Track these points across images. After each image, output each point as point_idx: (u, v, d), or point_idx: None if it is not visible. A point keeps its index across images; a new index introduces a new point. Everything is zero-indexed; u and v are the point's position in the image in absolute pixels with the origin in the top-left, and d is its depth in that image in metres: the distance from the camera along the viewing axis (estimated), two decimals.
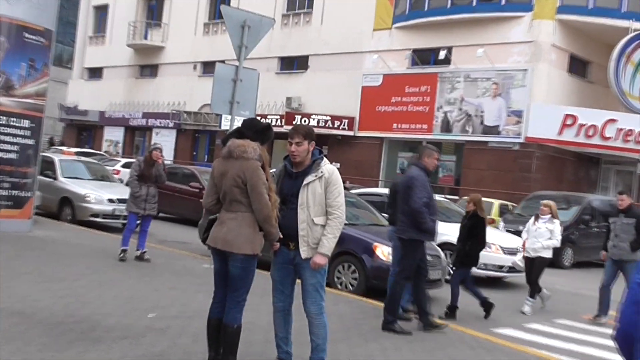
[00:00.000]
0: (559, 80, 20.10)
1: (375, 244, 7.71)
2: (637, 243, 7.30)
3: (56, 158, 13.19)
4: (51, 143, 30.89)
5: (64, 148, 24.52)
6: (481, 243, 7.17)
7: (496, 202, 16.03)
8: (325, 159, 4.21)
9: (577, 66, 21.07)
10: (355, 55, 23.39)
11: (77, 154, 20.08)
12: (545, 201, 8.25)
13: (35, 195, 10.04)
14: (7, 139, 9.36)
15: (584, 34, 20.34)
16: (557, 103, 19.67)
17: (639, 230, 7.32)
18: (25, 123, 9.53)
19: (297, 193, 4.10)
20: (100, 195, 11.84)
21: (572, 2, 19.79)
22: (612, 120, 18.53)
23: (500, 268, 9.57)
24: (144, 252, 8.45)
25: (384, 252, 7.59)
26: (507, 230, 12.60)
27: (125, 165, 19.07)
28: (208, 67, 27.31)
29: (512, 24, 19.95)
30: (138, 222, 8.56)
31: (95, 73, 34.99)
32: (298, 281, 4.25)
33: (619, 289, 7.44)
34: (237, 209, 3.97)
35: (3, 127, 9.29)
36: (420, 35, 21.80)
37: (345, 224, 4.20)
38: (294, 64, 25.95)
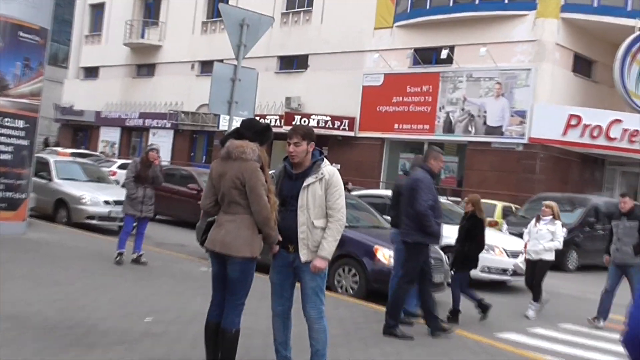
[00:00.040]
0: (563, 80, 20.10)
1: (376, 246, 7.70)
2: None
3: (51, 159, 13.18)
4: (46, 144, 30.90)
5: (59, 149, 24.52)
6: (480, 245, 7.15)
7: (499, 204, 16.02)
8: (325, 160, 4.20)
9: (582, 65, 21.07)
10: (355, 54, 23.40)
11: (73, 154, 20.08)
12: (546, 202, 8.24)
13: (29, 197, 10.03)
14: (1, 139, 9.35)
15: (589, 33, 20.35)
16: (561, 103, 19.67)
17: None
18: (20, 123, 9.52)
19: (296, 195, 4.09)
20: (96, 197, 11.83)
21: (577, 0, 19.79)
22: (618, 121, 18.52)
23: (504, 271, 9.55)
24: (141, 254, 8.44)
25: (385, 255, 7.58)
26: (511, 233, 12.58)
27: (121, 167, 19.06)
28: (206, 67, 27.31)
29: (515, 22, 19.95)
30: (135, 224, 8.55)
31: (91, 72, 34.99)
32: (297, 285, 4.23)
33: (623, 293, 7.45)
34: (235, 211, 3.97)
35: None
36: (422, 34, 21.80)
37: (346, 227, 4.19)
38: (293, 63, 25.95)
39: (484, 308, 7.13)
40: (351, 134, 22.93)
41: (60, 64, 40.61)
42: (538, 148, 19.22)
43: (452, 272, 7.34)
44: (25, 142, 9.63)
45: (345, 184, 17.16)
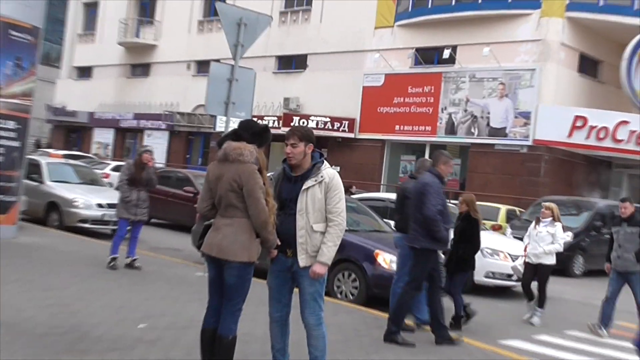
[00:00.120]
0: (568, 80, 20.13)
1: (377, 251, 7.70)
2: None
3: (43, 161, 13.17)
4: (38, 145, 30.88)
5: (51, 150, 24.50)
6: (475, 246, 7.12)
7: (503, 208, 16.02)
8: (325, 162, 4.20)
9: (588, 66, 21.11)
10: (355, 54, 23.43)
11: (65, 156, 20.06)
12: (546, 203, 8.23)
13: (20, 200, 10.02)
14: None
15: (595, 32, 20.39)
16: (566, 104, 19.70)
17: None
18: (11, 124, 9.52)
19: (295, 198, 4.09)
20: (89, 200, 11.82)
21: None
22: (624, 122, 18.54)
23: (508, 277, 9.55)
24: (135, 259, 8.43)
25: (385, 259, 7.58)
26: (515, 237, 12.57)
27: (115, 169, 19.07)
28: (202, 67, 27.34)
29: (519, 21, 19.99)
30: (128, 228, 8.55)
31: (84, 72, 35.00)
32: (296, 290, 4.23)
33: (624, 298, 7.45)
34: (233, 215, 3.97)
35: None
36: (423, 34, 21.84)
37: (346, 230, 4.19)
38: (292, 63, 25.97)
39: (467, 314, 7.07)
40: (351, 135, 22.95)
41: (52, 64, 40.61)
42: (543, 150, 19.24)
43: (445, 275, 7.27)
44: (16, 144, 9.62)
45: (349, 187, 17.09)
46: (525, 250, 8.09)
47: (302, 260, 4.07)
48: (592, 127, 18.75)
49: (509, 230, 14.12)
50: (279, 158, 4.58)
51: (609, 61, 20.87)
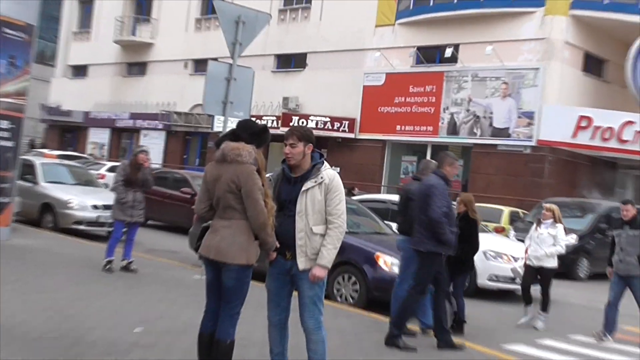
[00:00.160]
0: (572, 80, 20.14)
1: (378, 253, 7.70)
2: None
3: (37, 161, 13.16)
4: (32, 145, 30.86)
5: (45, 151, 24.49)
6: (474, 247, 7.12)
7: (506, 209, 16.02)
8: (326, 163, 4.20)
9: (592, 65, 21.12)
10: (356, 52, 23.43)
11: (60, 157, 20.02)
12: (547, 204, 8.21)
13: (14, 201, 10.01)
14: None
15: (600, 31, 20.39)
16: (570, 104, 19.70)
17: None
18: (4, 124, 9.51)
19: (295, 199, 4.09)
20: (84, 201, 11.81)
21: None
22: (630, 123, 18.53)
23: (512, 280, 9.54)
24: (131, 262, 8.43)
25: (386, 262, 7.58)
26: (518, 239, 12.56)
27: (111, 169, 19.05)
28: (200, 65, 27.34)
29: (522, 19, 20.00)
30: (124, 230, 8.54)
31: (79, 71, 35.00)
32: (295, 293, 4.22)
33: (627, 303, 7.43)
34: (231, 216, 3.96)
35: None
36: (425, 32, 21.85)
37: (346, 233, 4.18)
38: (291, 62, 25.98)
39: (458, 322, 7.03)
40: (351, 135, 22.95)
41: (47, 62, 40.62)
42: (546, 151, 19.24)
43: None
44: (10, 144, 9.61)
45: (351, 189, 17.05)
46: (525, 252, 8.07)
47: (302, 263, 4.07)
48: (596, 128, 18.75)
49: (512, 233, 14.12)
50: (278, 159, 4.58)
51: (614, 60, 20.88)
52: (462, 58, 20.86)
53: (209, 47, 25.59)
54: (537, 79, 19.44)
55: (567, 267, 12.99)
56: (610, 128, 18.65)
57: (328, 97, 23.52)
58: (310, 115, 23.18)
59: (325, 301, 4.30)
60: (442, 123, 21.21)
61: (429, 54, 21.97)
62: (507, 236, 13.48)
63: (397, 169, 22.75)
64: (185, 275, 8.47)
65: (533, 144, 19.33)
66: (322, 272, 4.06)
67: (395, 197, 11.29)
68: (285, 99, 24.73)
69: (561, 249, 7.81)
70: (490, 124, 20.23)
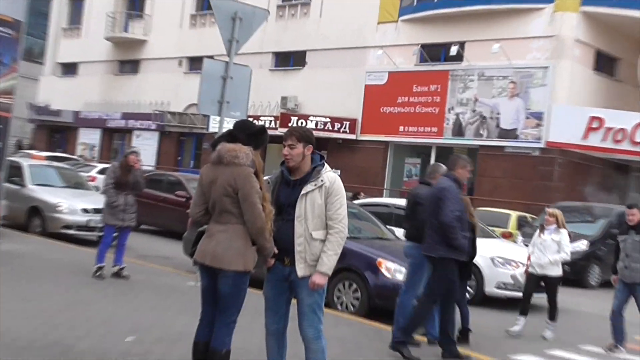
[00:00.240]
0: (583, 79, 20.17)
1: (380, 259, 7.70)
2: None
3: (24, 163, 13.17)
4: (19, 146, 30.89)
5: (33, 152, 24.48)
6: (472, 252, 7.11)
7: (514, 214, 16.02)
8: (326, 165, 4.20)
9: (604, 63, 21.15)
10: (357, 50, 23.46)
11: (48, 158, 20.05)
12: (550, 209, 8.18)
13: (0, 205, 10.00)
14: None
15: (612, 28, 20.42)
16: (581, 104, 19.72)
17: None
18: None
19: (294, 203, 4.09)
20: (74, 205, 11.81)
21: None
22: None
23: (520, 288, 9.52)
24: (122, 268, 8.43)
25: (389, 268, 7.58)
26: (526, 245, 12.56)
27: (101, 172, 19.04)
28: (195, 63, 27.36)
29: (531, 16, 20.04)
30: (115, 234, 8.54)
31: (69, 69, 35.04)
32: (294, 301, 4.23)
33: (630, 309, 7.42)
34: (227, 221, 3.97)
35: None
36: (429, 29, 21.88)
37: (347, 238, 4.19)
38: (289, 60, 26.01)
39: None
40: (352, 136, 22.97)
41: (35, 60, 40.66)
42: (556, 153, 19.25)
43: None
44: None
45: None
46: (528, 259, 8.03)
47: (301, 270, 4.07)
48: (608, 129, 18.75)
49: (520, 238, 14.11)
50: (277, 161, 4.59)
51: (627, 58, 20.91)
52: (468, 56, 20.88)
53: (205, 44, 25.62)
54: (546, 78, 19.46)
55: (577, 274, 13.01)
56: (622, 129, 18.65)
57: (328, 96, 23.54)
58: (309, 116, 23.20)
59: (325, 309, 4.30)
60: (447, 124, 21.23)
61: (433, 52, 21.99)
62: (515, 242, 13.47)
63: (400, 171, 22.76)
64: (180, 281, 8.47)
65: (542, 145, 19.34)
66: (322, 279, 4.06)
67: (399, 201, 11.31)
68: (284, 99, 24.75)
69: (566, 256, 7.77)
70: (497, 125, 20.25)
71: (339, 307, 7.76)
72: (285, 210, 4.12)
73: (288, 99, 24.68)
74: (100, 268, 8.22)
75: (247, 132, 4.13)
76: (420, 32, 22.16)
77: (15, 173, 12.24)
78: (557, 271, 7.77)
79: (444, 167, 6.66)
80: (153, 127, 29.18)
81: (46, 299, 6.66)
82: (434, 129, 21.47)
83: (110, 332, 5.57)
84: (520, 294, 9.52)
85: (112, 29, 31.78)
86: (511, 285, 9.49)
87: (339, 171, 19.94)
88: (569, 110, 19.29)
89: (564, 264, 8.00)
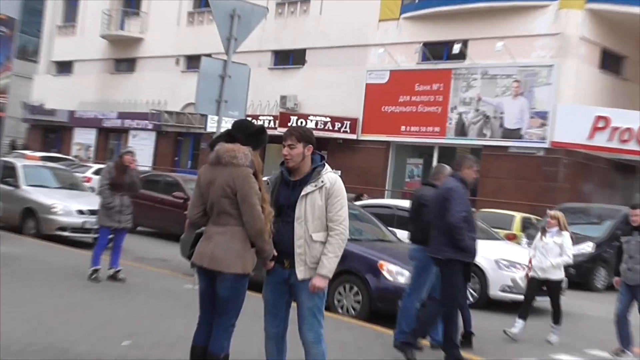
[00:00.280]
0: (589, 78, 20.17)
1: (381, 262, 7.70)
2: None
3: (18, 163, 13.17)
4: (13, 146, 30.88)
5: (27, 152, 24.51)
6: None
7: (518, 216, 16.02)
8: (327, 166, 4.20)
9: (610, 61, 21.15)
10: (358, 49, 23.48)
11: (43, 158, 20.07)
12: (552, 212, 8.16)
13: None
14: None
15: (618, 25, 20.42)
16: (587, 103, 19.73)
17: None
18: None
19: (294, 204, 4.09)
20: (69, 206, 11.81)
21: None
22: None
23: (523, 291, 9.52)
24: (118, 270, 8.42)
25: (390, 271, 7.58)
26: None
27: (97, 172, 19.05)
28: (192, 62, 27.39)
29: (535, 13, 20.04)
30: (111, 236, 8.54)
31: (64, 67, 35.05)
32: (293, 304, 4.23)
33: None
34: (226, 222, 3.97)
35: None
36: (431, 27, 21.89)
37: (347, 240, 4.18)
38: (289, 58, 26.02)
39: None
40: (353, 136, 22.98)
41: (29, 58, 40.68)
42: (561, 153, 19.25)
43: None
44: None
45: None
46: (529, 263, 8.01)
47: (301, 273, 4.07)
48: (614, 129, 18.76)
49: (524, 240, 14.11)
50: (276, 161, 4.59)
51: (633, 56, 20.91)
52: (471, 54, 20.89)
53: (202, 42, 25.65)
54: (551, 76, 19.47)
55: (583, 277, 13.01)
56: (629, 129, 18.65)
57: (328, 95, 23.55)
58: (309, 115, 23.20)
59: (325, 313, 4.30)
60: (450, 123, 21.23)
61: (435, 50, 22.00)
62: (519, 244, 13.47)
63: (402, 172, 22.76)
64: (177, 284, 8.47)
65: (547, 145, 19.34)
66: (322, 282, 4.06)
67: (402, 202, 11.31)
68: (283, 98, 24.75)
69: (568, 259, 7.75)
70: (501, 125, 20.25)
71: (340, 310, 7.75)
72: (284, 211, 4.12)
73: (287, 98, 24.69)
74: (95, 271, 8.22)
75: (245, 132, 4.13)
76: (422, 29, 22.16)
77: (9, 174, 12.23)
78: (559, 274, 7.76)
79: (448, 168, 6.66)
80: (150, 126, 29.19)
81: (41, 302, 6.66)
82: (437, 129, 21.47)
83: (106, 336, 5.57)
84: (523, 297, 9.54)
85: (108, 27, 31.80)
86: (515, 289, 9.48)
87: (339, 172, 19.96)
88: (574, 109, 19.29)
89: (570, 266, 7.98)
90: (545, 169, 19.41)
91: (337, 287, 7.76)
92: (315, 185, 4.09)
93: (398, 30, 22.79)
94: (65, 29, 35.11)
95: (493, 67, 20.41)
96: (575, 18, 19.70)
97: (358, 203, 12.67)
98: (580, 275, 12.73)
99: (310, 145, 4.15)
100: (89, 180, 18.31)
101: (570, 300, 8.16)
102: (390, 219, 10.44)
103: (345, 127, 22.98)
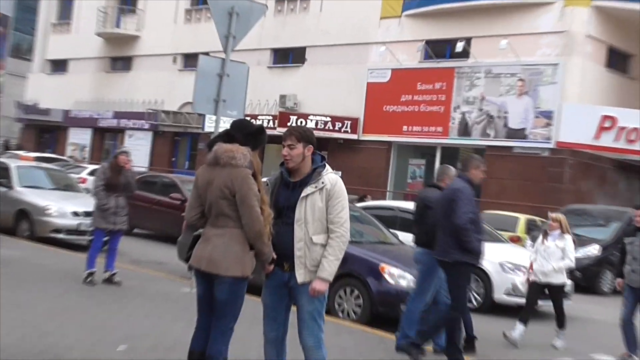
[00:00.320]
0: (595, 76, 20.17)
1: (383, 264, 7.70)
2: None
3: (12, 164, 13.18)
4: (6, 147, 30.90)
5: (21, 152, 24.51)
6: None
7: (522, 217, 16.02)
8: (327, 166, 4.20)
9: (617, 60, 21.15)
10: (359, 47, 23.48)
11: (37, 159, 20.08)
12: (553, 214, 8.14)
13: None
14: None
15: (625, 23, 20.43)
16: (592, 102, 19.73)
17: None
18: None
19: (294, 206, 4.09)
20: (63, 208, 11.82)
21: None
22: None
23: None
24: (114, 273, 8.42)
25: (392, 274, 7.57)
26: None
27: (92, 173, 19.06)
28: (190, 60, 27.40)
29: (540, 11, 20.05)
30: (106, 239, 8.54)
31: (58, 66, 35.05)
32: (293, 308, 4.23)
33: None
34: (224, 224, 3.97)
35: None
36: (434, 24, 21.90)
37: (348, 242, 4.18)
38: (288, 56, 26.03)
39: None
40: (354, 136, 22.98)
41: (23, 56, 40.71)
42: (566, 153, 19.25)
43: None
44: None
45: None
46: (530, 267, 7.99)
47: (301, 276, 4.07)
48: (621, 128, 18.76)
49: (528, 242, 14.10)
50: (275, 162, 4.59)
51: None
52: (474, 53, 20.90)
53: (200, 40, 25.64)
54: (556, 75, 19.47)
55: (589, 281, 13.01)
56: (635, 129, 18.66)
57: (329, 95, 23.55)
58: (309, 115, 23.21)
59: (325, 317, 4.30)
60: (453, 123, 21.23)
61: (438, 48, 22.00)
62: (524, 246, 13.47)
63: (404, 173, 22.76)
64: (174, 288, 8.47)
65: (552, 146, 19.34)
66: (322, 285, 4.06)
67: (404, 204, 11.31)
68: (283, 97, 24.75)
69: (570, 263, 7.72)
70: (505, 125, 20.25)
71: (340, 314, 7.75)
72: (284, 213, 4.12)
73: (287, 97, 24.69)
74: (90, 274, 8.22)
75: (244, 132, 4.14)
76: (424, 27, 22.17)
77: (2, 175, 12.25)
78: (561, 279, 7.73)
79: (453, 169, 6.66)
80: (146, 126, 29.19)
81: (35, 306, 6.66)
82: (439, 129, 21.47)
83: (101, 340, 5.57)
84: None
85: (104, 25, 31.80)
86: (521, 292, 9.47)
87: (340, 173, 19.98)
88: (579, 109, 19.29)
89: (575, 270, 7.97)
90: (550, 169, 19.40)
91: (337, 291, 7.76)
92: (316, 187, 4.09)
93: (400, 28, 22.80)
94: (60, 27, 35.12)
95: (497, 65, 20.41)
96: (581, 15, 19.70)
97: (361, 204, 12.66)
98: (586, 279, 12.73)
99: (311, 146, 4.15)
100: (84, 181, 18.30)
101: (576, 304, 8.16)
102: (393, 220, 10.44)
103: (346, 127, 22.98)
